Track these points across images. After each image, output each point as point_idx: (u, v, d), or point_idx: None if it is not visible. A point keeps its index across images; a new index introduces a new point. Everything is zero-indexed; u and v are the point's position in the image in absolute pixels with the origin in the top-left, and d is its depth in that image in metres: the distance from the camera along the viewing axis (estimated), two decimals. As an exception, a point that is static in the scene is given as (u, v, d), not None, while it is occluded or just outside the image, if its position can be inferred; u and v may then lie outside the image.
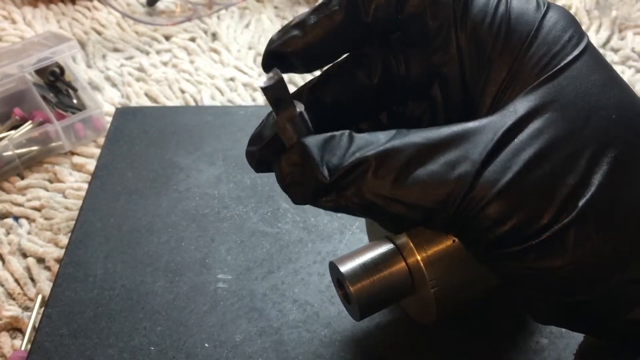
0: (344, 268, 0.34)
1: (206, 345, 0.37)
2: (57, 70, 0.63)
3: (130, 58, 0.73)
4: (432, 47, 0.28)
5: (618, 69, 0.67)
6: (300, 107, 0.28)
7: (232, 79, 0.68)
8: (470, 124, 0.25)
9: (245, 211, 0.46)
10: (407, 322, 0.37)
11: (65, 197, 0.55)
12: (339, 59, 0.30)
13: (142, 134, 0.53)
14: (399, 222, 0.26)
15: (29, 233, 0.52)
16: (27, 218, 0.53)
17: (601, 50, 0.70)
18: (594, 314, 0.25)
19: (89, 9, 0.81)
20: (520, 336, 0.37)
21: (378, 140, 0.25)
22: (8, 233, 0.52)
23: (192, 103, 0.66)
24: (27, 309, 0.46)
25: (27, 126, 0.59)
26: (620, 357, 0.28)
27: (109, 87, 0.69)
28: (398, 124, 0.27)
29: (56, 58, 0.62)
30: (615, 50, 0.70)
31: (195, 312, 0.39)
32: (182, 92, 0.67)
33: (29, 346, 0.39)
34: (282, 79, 0.27)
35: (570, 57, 0.25)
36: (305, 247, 0.43)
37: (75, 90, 0.64)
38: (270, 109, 0.28)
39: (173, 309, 0.39)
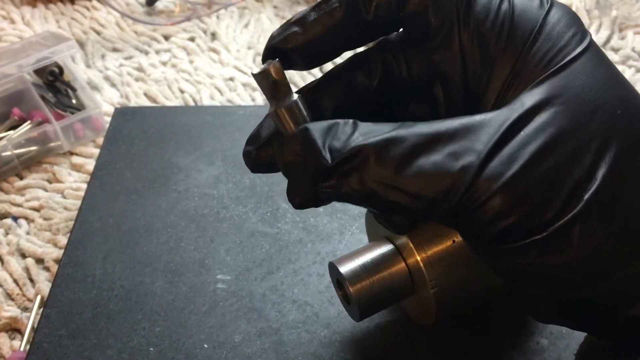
0: (344, 269, 0.33)
1: (205, 345, 0.37)
2: (56, 70, 0.63)
3: (129, 58, 0.73)
4: (433, 45, 0.28)
5: (618, 68, 0.66)
6: (296, 96, 0.27)
7: (231, 79, 0.68)
8: (476, 117, 0.25)
9: (244, 211, 0.46)
10: (407, 323, 0.37)
11: (64, 197, 0.55)
12: (339, 61, 0.30)
13: (141, 134, 0.53)
14: (398, 213, 0.26)
15: (27, 233, 0.52)
16: (26, 218, 0.53)
17: (601, 50, 0.70)
18: (596, 311, 0.25)
19: (88, 8, 0.81)
20: (521, 336, 0.37)
21: (382, 129, 0.25)
22: (7, 233, 0.52)
23: (192, 103, 0.65)
24: (26, 309, 0.46)
25: (25, 126, 0.59)
26: (621, 357, 0.28)
27: (108, 87, 0.68)
28: None
29: (55, 58, 0.61)
30: (616, 50, 0.70)
31: (195, 312, 0.39)
32: (182, 92, 0.67)
33: (28, 347, 0.39)
34: (277, 65, 0.27)
35: (574, 53, 0.25)
36: (305, 247, 0.43)
37: (74, 90, 0.64)
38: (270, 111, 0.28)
39: (172, 309, 0.39)
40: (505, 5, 0.27)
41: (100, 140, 0.59)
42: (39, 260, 0.49)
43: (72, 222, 0.46)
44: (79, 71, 0.68)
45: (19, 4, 0.82)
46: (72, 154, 0.59)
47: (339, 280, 0.34)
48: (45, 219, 0.53)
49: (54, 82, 0.63)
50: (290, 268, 0.41)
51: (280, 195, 0.46)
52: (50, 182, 0.56)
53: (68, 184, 0.56)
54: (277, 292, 0.40)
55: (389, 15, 0.28)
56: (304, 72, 0.67)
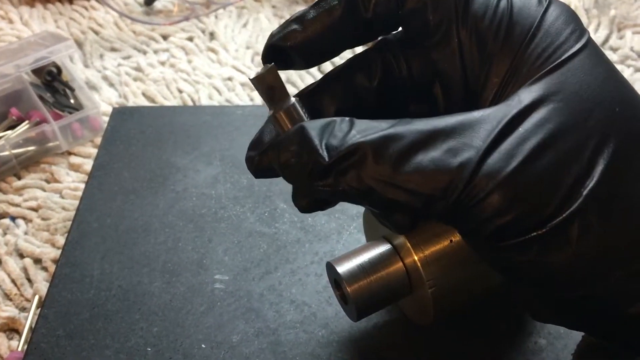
0: (341, 269, 0.33)
1: (203, 346, 0.37)
2: (54, 70, 0.63)
3: (127, 58, 0.73)
4: (432, 43, 0.28)
5: (617, 68, 0.66)
6: (293, 99, 0.28)
7: (229, 79, 0.68)
8: (474, 113, 0.25)
9: (242, 211, 0.46)
10: (405, 323, 0.37)
11: (62, 197, 0.54)
12: (339, 62, 0.30)
13: (139, 133, 0.53)
14: (396, 210, 0.26)
15: (25, 233, 0.52)
16: (24, 218, 0.53)
17: (600, 49, 0.70)
18: (595, 310, 0.25)
19: (86, 8, 0.81)
20: (519, 336, 0.37)
21: (380, 126, 0.25)
22: (5, 233, 0.51)
23: (190, 103, 0.65)
24: (23, 309, 0.46)
25: (23, 126, 0.59)
26: (619, 357, 0.28)
27: (106, 86, 0.68)
28: None
29: (53, 58, 0.61)
30: (614, 49, 0.70)
31: (192, 312, 0.39)
32: (180, 91, 0.67)
33: (25, 347, 0.39)
34: (273, 69, 0.27)
35: (572, 50, 0.25)
36: (303, 247, 0.43)
37: (72, 90, 0.64)
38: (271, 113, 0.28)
39: (170, 309, 0.39)
40: (503, 3, 0.27)
41: (98, 140, 0.59)
42: (37, 261, 0.49)
43: (70, 222, 0.46)
44: (77, 71, 0.68)
45: (17, 4, 0.82)
46: (70, 153, 0.59)
47: (336, 280, 0.34)
48: (43, 219, 0.52)
49: (52, 82, 0.63)
50: (288, 268, 0.41)
51: (278, 196, 0.46)
52: (48, 182, 0.56)
53: (66, 184, 0.56)
54: (274, 292, 0.40)
55: (388, 13, 0.28)
56: (303, 72, 0.67)
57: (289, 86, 0.67)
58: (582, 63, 0.25)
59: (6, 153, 0.56)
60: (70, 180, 0.56)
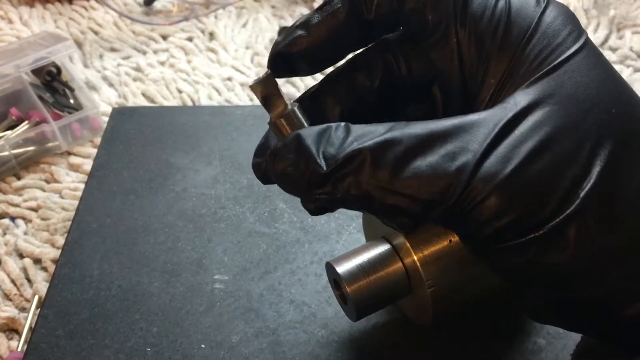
0: (341, 268, 0.33)
1: (202, 346, 0.37)
2: (54, 70, 0.63)
3: (127, 58, 0.73)
4: (431, 43, 0.28)
5: (616, 68, 0.66)
6: (294, 105, 0.28)
7: (229, 79, 0.68)
8: (470, 116, 0.25)
9: (242, 211, 0.46)
10: (404, 323, 0.37)
11: (61, 197, 0.55)
12: (339, 64, 0.30)
13: (138, 134, 0.53)
14: (394, 216, 0.26)
15: (25, 234, 0.52)
16: (24, 218, 0.53)
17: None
18: (594, 311, 0.25)
19: (85, 8, 0.81)
20: (518, 336, 0.37)
21: (376, 131, 0.25)
22: (4, 234, 0.51)
23: (189, 103, 0.65)
24: (23, 309, 0.46)
25: (23, 126, 0.59)
26: (618, 357, 0.28)
27: (106, 87, 0.68)
28: None
29: (53, 58, 0.61)
30: (614, 50, 0.70)
31: (192, 312, 0.39)
32: (179, 91, 0.67)
33: (25, 347, 0.39)
34: (269, 77, 0.27)
35: (570, 52, 0.25)
36: (302, 247, 0.43)
37: (71, 90, 0.64)
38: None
39: (169, 309, 0.39)
40: (501, 3, 0.27)
41: (98, 140, 0.59)
42: (37, 261, 0.49)
43: (70, 222, 0.46)
44: (76, 71, 0.68)
45: (17, 4, 0.82)
46: (69, 154, 0.59)
47: (336, 280, 0.34)
48: (42, 219, 0.53)
49: (51, 82, 0.63)
50: (288, 268, 0.41)
51: (277, 196, 0.46)
52: (47, 182, 0.56)
53: (66, 184, 0.56)
54: (274, 292, 0.40)
55: (390, 13, 0.28)
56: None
57: (288, 86, 0.67)
58: (579, 64, 0.25)
59: (6, 153, 0.56)
60: (69, 181, 0.56)
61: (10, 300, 0.47)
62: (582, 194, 0.23)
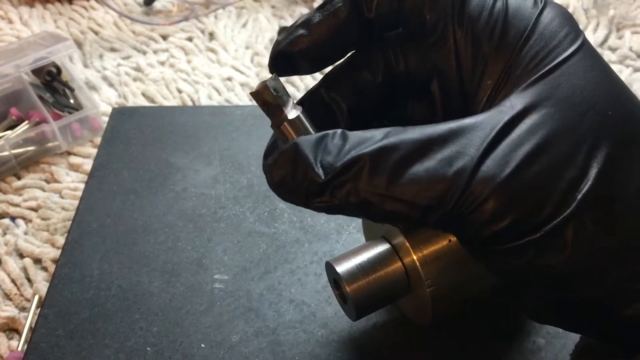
0: (341, 268, 0.34)
1: (202, 345, 0.37)
2: (54, 70, 0.63)
3: (127, 58, 0.73)
4: (429, 43, 0.28)
5: (616, 68, 0.66)
6: (298, 110, 0.28)
7: (229, 79, 0.68)
8: (467, 120, 0.25)
9: (241, 211, 0.46)
10: (404, 323, 0.37)
11: (61, 197, 0.55)
12: (339, 62, 0.30)
13: (138, 134, 0.53)
14: (394, 221, 0.26)
15: (25, 233, 0.52)
16: (24, 218, 0.53)
17: (599, 50, 0.70)
18: (593, 311, 0.25)
19: (85, 8, 0.81)
20: (517, 336, 0.37)
21: (373, 138, 0.25)
22: (5, 233, 0.52)
23: (189, 103, 0.65)
24: (23, 309, 0.46)
25: (23, 126, 0.59)
26: (617, 357, 0.28)
27: (106, 87, 0.68)
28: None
29: (53, 58, 0.61)
30: (613, 50, 0.70)
31: (192, 312, 0.39)
32: (179, 91, 0.67)
33: (25, 347, 0.39)
34: (272, 83, 0.27)
35: (566, 54, 0.25)
36: (302, 247, 0.43)
37: (71, 90, 0.64)
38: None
39: (169, 309, 0.39)
40: (499, 4, 0.27)
41: (98, 140, 0.59)
42: (37, 260, 0.49)
43: (70, 222, 0.46)
44: (76, 71, 0.68)
45: (17, 4, 0.82)
46: (69, 154, 0.59)
47: (335, 280, 0.34)
48: (42, 219, 0.53)
49: (51, 82, 0.63)
50: (288, 268, 0.41)
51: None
52: (47, 182, 0.56)
53: (66, 184, 0.56)
54: (274, 292, 0.40)
55: (390, 12, 0.28)
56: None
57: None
58: (576, 67, 0.25)
59: (6, 153, 0.56)
60: (69, 180, 0.56)
61: (11, 300, 0.47)
62: (579, 196, 0.23)
